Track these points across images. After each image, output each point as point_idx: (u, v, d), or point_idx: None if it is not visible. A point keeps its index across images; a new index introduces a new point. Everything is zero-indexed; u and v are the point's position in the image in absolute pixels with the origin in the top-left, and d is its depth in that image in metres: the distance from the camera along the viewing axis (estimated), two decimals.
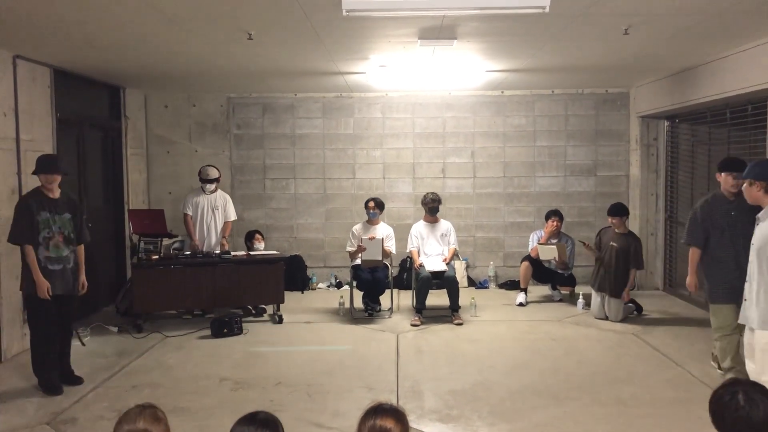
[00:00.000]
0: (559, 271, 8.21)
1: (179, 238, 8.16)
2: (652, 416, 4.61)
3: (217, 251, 7.54)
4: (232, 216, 7.93)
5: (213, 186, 7.73)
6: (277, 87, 9.02)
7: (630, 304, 7.49)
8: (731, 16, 5.01)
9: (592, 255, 7.60)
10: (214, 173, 7.74)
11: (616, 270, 7.24)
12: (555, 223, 8.11)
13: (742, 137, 7.00)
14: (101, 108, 8.34)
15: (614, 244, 7.30)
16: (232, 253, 7.57)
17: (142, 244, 7.63)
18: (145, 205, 9.31)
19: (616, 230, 7.37)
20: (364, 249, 7.44)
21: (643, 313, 7.54)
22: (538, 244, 8.04)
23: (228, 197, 7.94)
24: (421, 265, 7.52)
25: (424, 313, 7.38)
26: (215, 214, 7.76)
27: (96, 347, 6.47)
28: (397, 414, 2.21)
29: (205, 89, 9.21)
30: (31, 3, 4.51)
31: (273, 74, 7.80)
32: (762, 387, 2.23)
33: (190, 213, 7.68)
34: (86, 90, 7.84)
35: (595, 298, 7.44)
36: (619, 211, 7.41)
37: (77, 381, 5.38)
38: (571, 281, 8.31)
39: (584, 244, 7.66)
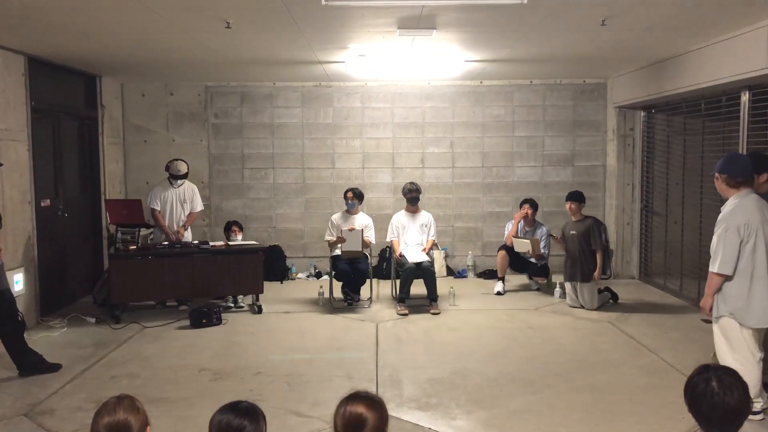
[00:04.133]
0: (533, 261, 8.28)
1: (151, 231, 8.09)
2: (626, 402, 4.69)
3: (185, 241, 7.53)
4: (199, 207, 7.90)
5: (182, 180, 7.70)
6: (255, 76, 8.96)
7: (606, 293, 7.60)
8: (707, 8, 5.07)
9: (561, 247, 7.72)
10: (183, 168, 7.68)
11: (582, 256, 7.36)
12: (525, 210, 8.17)
13: (716, 128, 7.10)
14: (77, 97, 8.22)
15: (574, 232, 7.47)
16: (211, 243, 7.54)
17: (119, 235, 7.55)
18: (122, 195, 9.22)
19: (573, 218, 7.53)
20: (344, 240, 7.45)
21: (619, 301, 7.65)
22: (513, 237, 8.09)
23: (195, 188, 7.90)
24: (401, 255, 7.55)
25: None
26: (184, 207, 7.74)
27: (73, 338, 6.42)
28: (370, 400, 2.21)
29: (182, 78, 9.12)
30: None
31: (251, 63, 7.74)
32: (733, 371, 2.28)
33: (158, 208, 7.62)
34: (62, 78, 7.72)
35: (568, 288, 7.56)
36: (576, 196, 7.56)
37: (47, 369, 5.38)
38: (543, 271, 8.37)
39: (554, 237, 7.87)
